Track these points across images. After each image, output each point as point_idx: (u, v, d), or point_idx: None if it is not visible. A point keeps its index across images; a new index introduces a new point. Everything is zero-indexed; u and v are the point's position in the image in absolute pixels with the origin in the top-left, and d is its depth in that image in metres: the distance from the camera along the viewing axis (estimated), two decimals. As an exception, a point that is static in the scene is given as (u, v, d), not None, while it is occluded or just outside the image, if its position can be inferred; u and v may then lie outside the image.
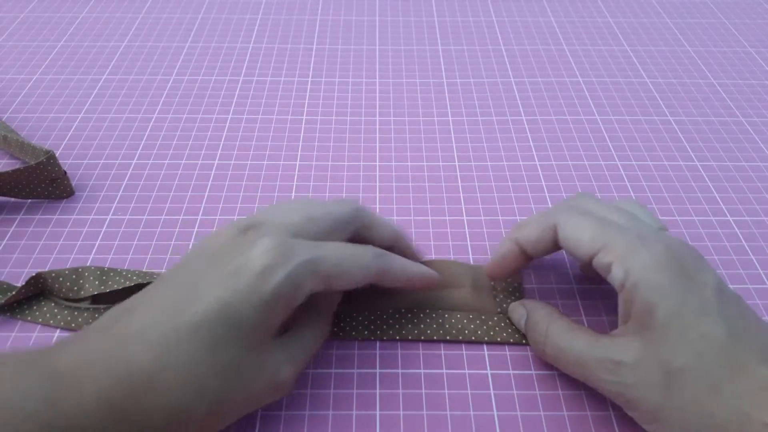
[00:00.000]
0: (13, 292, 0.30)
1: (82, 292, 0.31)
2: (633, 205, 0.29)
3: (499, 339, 0.29)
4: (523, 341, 0.29)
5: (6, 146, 0.40)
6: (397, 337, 0.29)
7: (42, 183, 0.36)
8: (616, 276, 0.24)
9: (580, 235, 0.25)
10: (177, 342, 0.21)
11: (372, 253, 0.26)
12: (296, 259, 0.23)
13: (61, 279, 0.31)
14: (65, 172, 0.36)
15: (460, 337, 0.29)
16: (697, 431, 0.21)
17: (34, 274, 0.30)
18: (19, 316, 0.30)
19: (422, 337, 0.29)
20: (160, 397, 0.20)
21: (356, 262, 0.25)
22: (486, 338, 0.29)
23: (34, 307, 0.30)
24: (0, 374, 0.19)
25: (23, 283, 0.30)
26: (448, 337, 0.29)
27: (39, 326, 0.30)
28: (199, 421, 0.22)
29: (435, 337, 0.29)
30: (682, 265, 0.23)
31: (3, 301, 0.30)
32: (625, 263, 0.24)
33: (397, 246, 0.29)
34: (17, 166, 0.37)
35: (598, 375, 0.23)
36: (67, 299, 0.31)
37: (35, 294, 0.31)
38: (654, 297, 0.23)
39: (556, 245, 0.28)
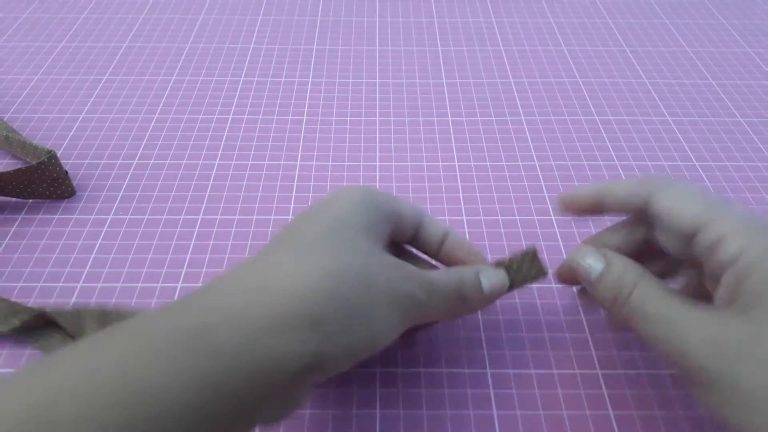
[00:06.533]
0: (26, 316, 0.29)
1: (83, 335, 0.29)
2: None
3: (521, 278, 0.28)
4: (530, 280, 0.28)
5: (8, 146, 0.40)
6: None
7: (43, 183, 0.36)
8: (728, 250, 0.22)
9: (686, 207, 0.24)
10: (309, 249, 0.22)
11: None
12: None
13: (63, 318, 0.30)
14: (66, 172, 0.37)
15: None
16: None
17: (39, 311, 0.29)
18: (29, 343, 0.29)
19: None
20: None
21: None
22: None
23: (46, 336, 0.30)
24: (154, 360, 0.18)
25: (32, 316, 0.29)
26: None
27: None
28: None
29: None
30: None
31: (18, 324, 0.29)
32: (740, 240, 0.22)
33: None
34: (19, 166, 0.37)
35: (690, 345, 0.22)
36: (71, 336, 0.30)
37: (47, 323, 0.30)
38: None
39: (640, 210, 0.26)
